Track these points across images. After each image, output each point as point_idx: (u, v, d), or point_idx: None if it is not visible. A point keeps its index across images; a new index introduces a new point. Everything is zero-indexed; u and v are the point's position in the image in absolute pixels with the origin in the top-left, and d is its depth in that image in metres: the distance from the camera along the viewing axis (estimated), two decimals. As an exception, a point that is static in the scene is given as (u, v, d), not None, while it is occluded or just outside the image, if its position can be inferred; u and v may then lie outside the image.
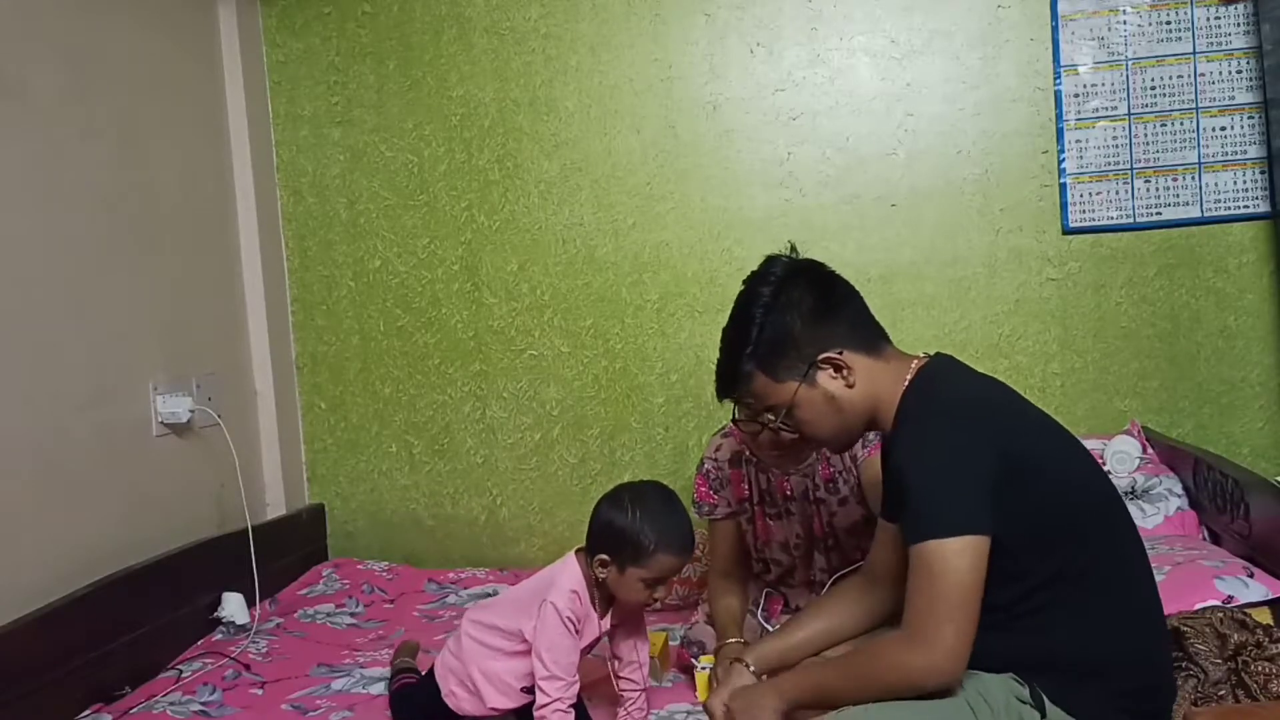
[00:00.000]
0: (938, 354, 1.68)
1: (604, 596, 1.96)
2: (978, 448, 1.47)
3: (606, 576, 1.90)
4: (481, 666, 1.97)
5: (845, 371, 1.61)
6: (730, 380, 1.69)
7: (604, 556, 1.89)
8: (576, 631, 1.91)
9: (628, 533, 1.85)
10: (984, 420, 1.52)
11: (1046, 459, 1.54)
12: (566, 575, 1.94)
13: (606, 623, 1.99)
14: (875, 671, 1.50)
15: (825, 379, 1.62)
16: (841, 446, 1.76)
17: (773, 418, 1.68)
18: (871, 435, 2.18)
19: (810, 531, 2.29)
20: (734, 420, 1.88)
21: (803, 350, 1.61)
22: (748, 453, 2.30)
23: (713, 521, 2.38)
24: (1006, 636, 1.51)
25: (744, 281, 1.71)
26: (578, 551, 1.97)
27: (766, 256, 1.72)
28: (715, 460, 2.37)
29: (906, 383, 1.61)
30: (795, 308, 1.62)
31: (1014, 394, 1.64)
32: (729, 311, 1.74)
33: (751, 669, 1.80)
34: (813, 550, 2.30)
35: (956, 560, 1.42)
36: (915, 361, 1.65)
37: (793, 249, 1.73)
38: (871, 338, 1.66)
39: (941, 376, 1.63)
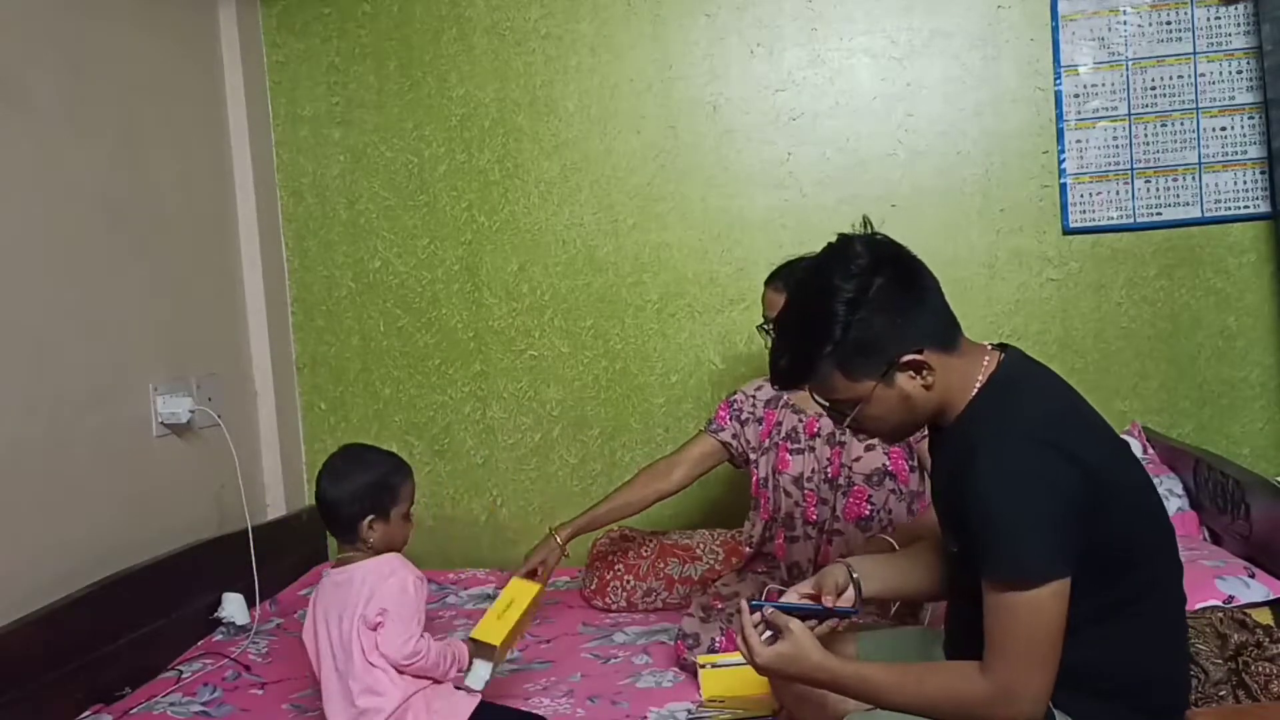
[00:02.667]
0: (1006, 348, 1.56)
1: None
2: (1065, 476, 1.39)
3: (375, 536, 1.98)
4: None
5: (925, 372, 1.49)
6: (799, 374, 1.55)
7: (371, 517, 1.96)
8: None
9: (372, 487, 1.98)
10: (1068, 436, 1.43)
11: (1123, 480, 1.48)
12: (382, 571, 1.97)
13: None
14: (950, 702, 1.44)
15: (904, 380, 1.50)
16: (897, 440, 1.67)
17: (835, 411, 1.57)
18: None
19: (825, 469, 2.39)
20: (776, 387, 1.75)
21: (886, 351, 1.48)
22: (785, 396, 2.42)
23: (710, 434, 2.53)
24: None
25: (814, 261, 1.55)
26: (336, 564, 2.02)
27: (843, 235, 1.54)
28: (753, 398, 2.50)
29: (980, 383, 1.51)
30: (881, 305, 1.47)
31: (1085, 402, 1.54)
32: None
33: (854, 574, 1.69)
34: (823, 487, 2.38)
35: (1048, 607, 1.37)
36: (986, 356, 1.54)
37: (866, 223, 1.57)
38: (949, 331, 1.54)
39: (1020, 384, 1.52)
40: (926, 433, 1.70)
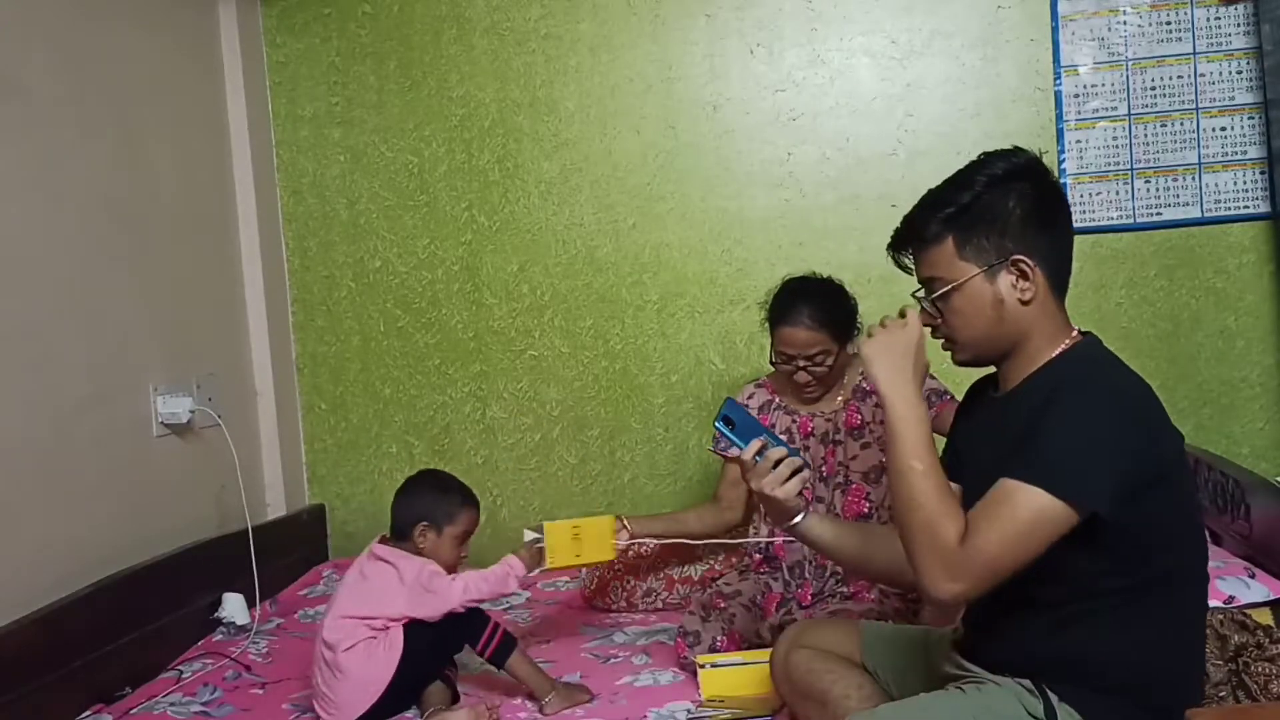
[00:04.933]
0: (1090, 333, 1.57)
1: None
2: (1137, 438, 1.39)
3: (425, 545, 2.19)
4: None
5: (1027, 285, 1.48)
6: (915, 234, 1.54)
7: (425, 523, 2.19)
8: None
9: (438, 501, 2.22)
10: (1147, 411, 1.44)
11: (1179, 468, 1.49)
12: (406, 559, 2.17)
13: None
14: (921, 521, 1.41)
15: (1007, 282, 1.49)
16: (972, 358, 1.58)
17: (925, 292, 1.56)
18: (934, 397, 2.35)
19: (820, 469, 2.43)
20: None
21: (1005, 241, 1.48)
22: (776, 399, 2.50)
23: (725, 460, 2.58)
24: (1048, 639, 1.46)
25: (981, 154, 1.56)
26: (381, 541, 2.24)
27: (1015, 146, 1.56)
28: (746, 405, 2.49)
29: (1063, 347, 1.51)
30: (1022, 198, 1.49)
31: (1156, 397, 1.54)
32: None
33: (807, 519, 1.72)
34: (818, 486, 2.41)
35: (1041, 518, 1.35)
36: (1075, 330, 1.54)
37: (1042, 155, 1.57)
38: (1063, 276, 1.53)
39: (1103, 361, 1.52)
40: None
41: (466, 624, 2.16)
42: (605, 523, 2.33)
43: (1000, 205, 1.49)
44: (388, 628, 2.12)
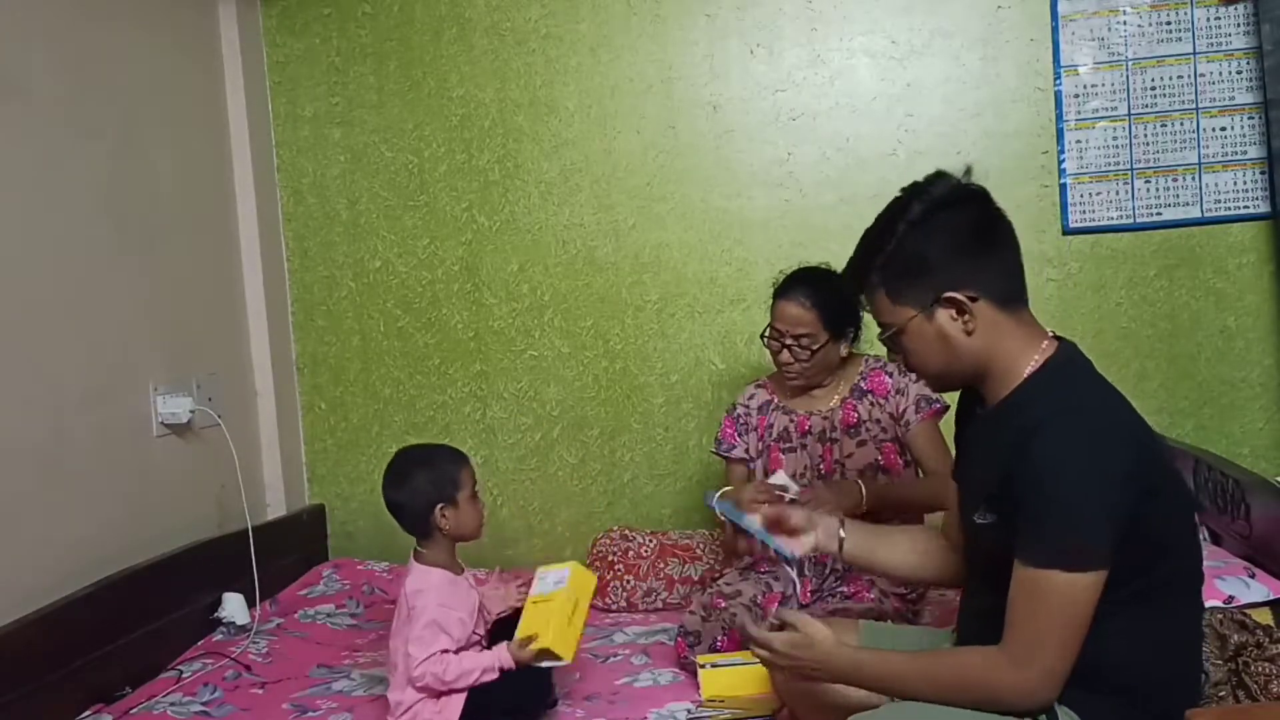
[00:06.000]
0: (1063, 339, 1.56)
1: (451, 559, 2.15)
2: (1129, 462, 1.39)
3: (449, 523, 2.07)
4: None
5: (967, 318, 1.49)
6: (856, 282, 1.59)
7: (441, 506, 2.06)
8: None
9: (437, 476, 2.08)
10: (1132, 427, 1.45)
11: (1168, 477, 1.49)
12: (423, 576, 2.07)
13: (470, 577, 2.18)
14: (964, 684, 1.44)
15: (945, 318, 1.50)
16: (941, 387, 1.66)
17: (881, 330, 1.59)
18: (923, 403, 2.38)
19: (818, 466, 2.45)
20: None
21: (932, 281, 1.49)
22: (775, 400, 2.52)
23: (728, 461, 2.57)
24: None
25: (902, 189, 1.57)
26: (415, 555, 2.12)
27: (937, 170, 1.57)
28: (746, 406, 2.56)
29: (1035, 363, 1.51)
30: (942, 234, 1.50)
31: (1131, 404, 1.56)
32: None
33: (845, 541, 1.73)
34: (816, 484, 2.41)
35: (1083, 594, 1.37)
36: (1045, 340, 1.54)
37: (968, 171, 1.57)
38: (1013, 292, 1.53)
39: (1081, 371, 1.52)
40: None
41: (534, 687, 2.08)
42: (590, 586, 2.09)
43: (923, 247, 1.50)
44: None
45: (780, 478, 2.16)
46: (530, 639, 1.94)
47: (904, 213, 1.52)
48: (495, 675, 1.98)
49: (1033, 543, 1.40)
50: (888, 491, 2.34)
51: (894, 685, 1.51)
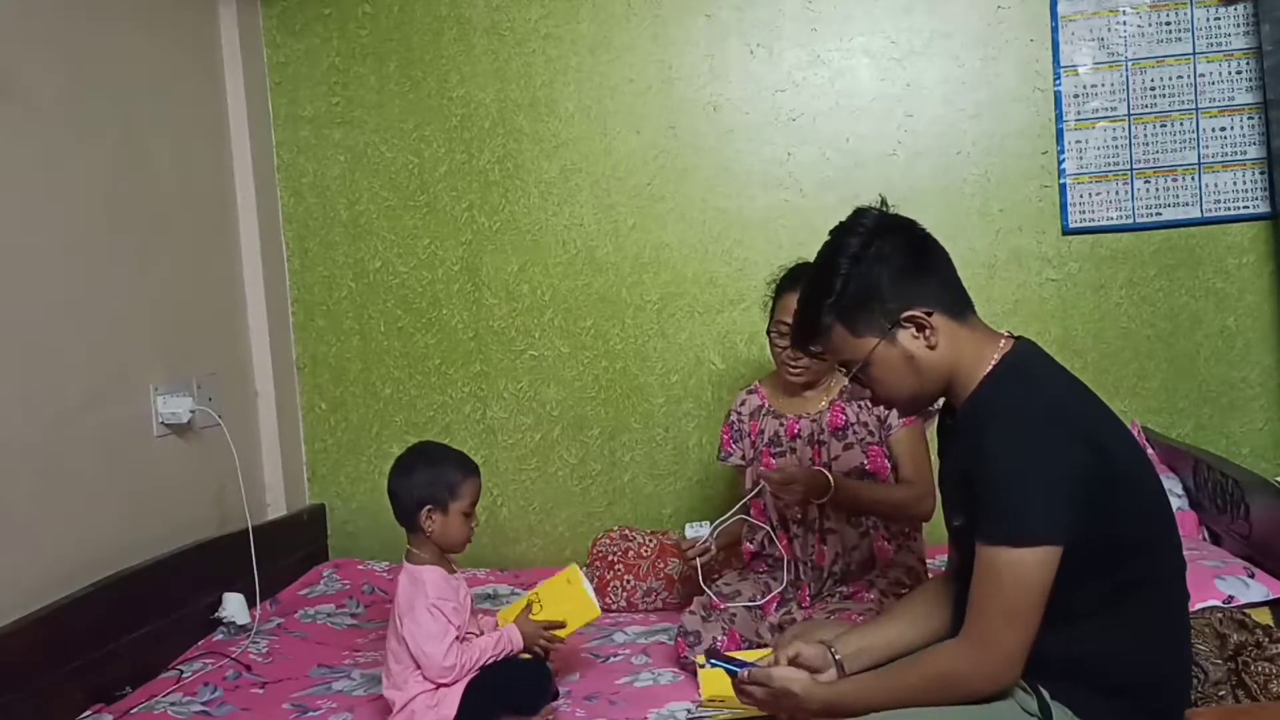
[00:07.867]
0: (1020, 337, 1.59)
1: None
2: (1073, 448, 1.41)
3: (434, 527, 2.06)
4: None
5: (928, 332, 1.53)
6: (808, 331, 1.61)
7: (429, 508, 2.04)
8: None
9: (436, 479, 2.07)
10: (1083, 420, 1.47)
11: (1132, 470, 1.50)
12: (415, 574, 2.07)
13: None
14: (935, 681, 1.48)
15: (907, 338, 1.54)
16: (912, 410, 1.69)
17: (846, 371, 1.61)
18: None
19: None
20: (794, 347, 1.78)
21: (887, 305, 1.53)
22: (766, 404, 2.52)
23: (734, 468, 2.59)
24: (1044, 638, 1.47)
25: (830, 232, 1.61)
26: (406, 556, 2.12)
27: (857, 208, 1.62)
28: (739, 413, 2.56)
29: (993, 363, 1.54)
30: (884, 261, 1.54)
31: (1094, 394, 1.57)
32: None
33: (836, 655, 1.70)
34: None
35: (1032, 571, 1.39)
36: (1001, 340, 1.57)
37: (884, 203, 1.63)
38: (959, 303, 1.58)
39: (1034, 368, 1.55)
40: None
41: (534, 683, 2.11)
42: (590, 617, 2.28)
43: (870, 276, 1.54)
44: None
45: (692, 530, 2.34)
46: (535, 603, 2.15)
47: (843, 250, 1.56)
48: (511, 647, 2.09)
49: (981, 523, 1.45)
50: (858, 490, 2.33)
51: (876, 703, 1.53)
